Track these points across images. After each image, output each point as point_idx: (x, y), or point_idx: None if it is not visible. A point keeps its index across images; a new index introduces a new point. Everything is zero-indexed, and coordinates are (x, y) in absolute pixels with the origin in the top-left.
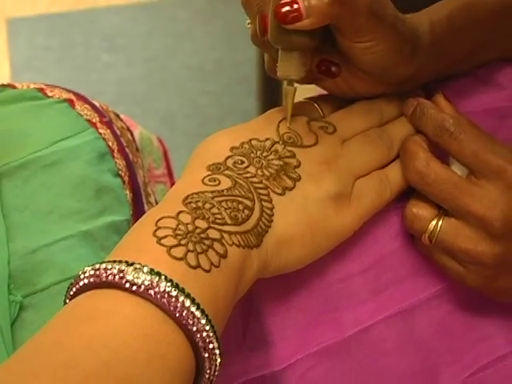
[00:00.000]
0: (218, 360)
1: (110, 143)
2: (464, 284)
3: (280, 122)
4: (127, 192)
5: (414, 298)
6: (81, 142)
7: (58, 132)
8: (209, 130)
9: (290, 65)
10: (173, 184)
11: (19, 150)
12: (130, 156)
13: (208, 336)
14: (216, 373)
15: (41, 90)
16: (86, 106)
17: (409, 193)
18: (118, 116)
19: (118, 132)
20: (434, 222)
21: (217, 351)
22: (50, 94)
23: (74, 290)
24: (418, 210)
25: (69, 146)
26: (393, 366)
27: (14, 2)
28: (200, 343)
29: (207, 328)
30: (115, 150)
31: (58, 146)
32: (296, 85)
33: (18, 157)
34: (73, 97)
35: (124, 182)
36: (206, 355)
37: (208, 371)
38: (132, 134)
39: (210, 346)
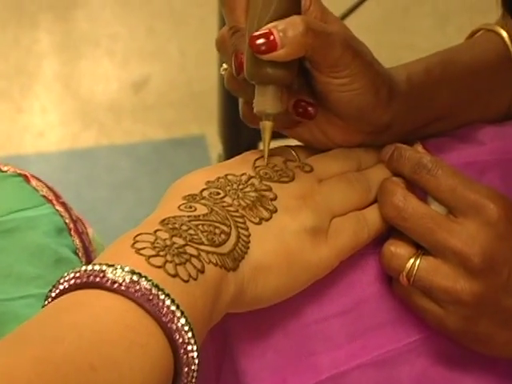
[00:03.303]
0: (196, 366)
1: (67, 221)
2: (444, 328)
3: (256, 159)
4: None
5: (392, 346)
6: (38, 214)
7: (14, 203)
8: None
9: (266, 99)
10: None
11: None
12: (86, 243)
13: (187, 337)
14: (193, 379)
15: None
16: (42, 183)
17: (387, 238)
18: (71, 208)
19: (74, 217)
20: (411, 261)
21: (195, 354)
22: (3, 168)
23: (53, 295)
24: (396, 249)
25: (26, 216)
26: None
27: None
28: (179, 342)
29: (186, 328)
30: (72, 230)
31: (16, 215)
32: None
33: None
34: (28, 174)
35: (82, 262)
36: (185, 357)
37: (186, 375)
38: (86, 228)
39: (189, 347)
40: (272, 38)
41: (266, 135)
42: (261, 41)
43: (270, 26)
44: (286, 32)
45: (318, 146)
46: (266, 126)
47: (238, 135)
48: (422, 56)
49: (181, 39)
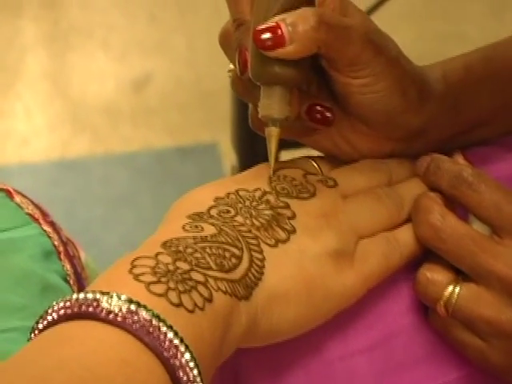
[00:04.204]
0: None
1: (56, 243)
2: (487, 364)
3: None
4: None
5: None
6: (23, 236)
7: None
8: None
9: (273, 102)
10: None
11: None
12: (78, 268)
13: (193, 374)
14: None
15: None
16: (27, 200)
17: (422, 263)
18: (61, 229)
19: (64, 239)
20: (450, 288)
21: None
22: None
23: (41, 327)
24: (433, 275)
25: (9, 238)
26: None
27: None
28: (183, 380)
29: (191, 365)
30: (62, 253)
31: None
32: None
33: None
34: (10, 189)
35: (73, 290)
36: None
37: None
38: (78, 252)
39: None
40: (280, 32)
41: (272, 144)
42: (267, 35)
43: (277, 18)
44: (296, 26)
45: (341, 156)
46: (272, 133)
47: (255, 144)
48: (472, 48)
49: (188, 30)
